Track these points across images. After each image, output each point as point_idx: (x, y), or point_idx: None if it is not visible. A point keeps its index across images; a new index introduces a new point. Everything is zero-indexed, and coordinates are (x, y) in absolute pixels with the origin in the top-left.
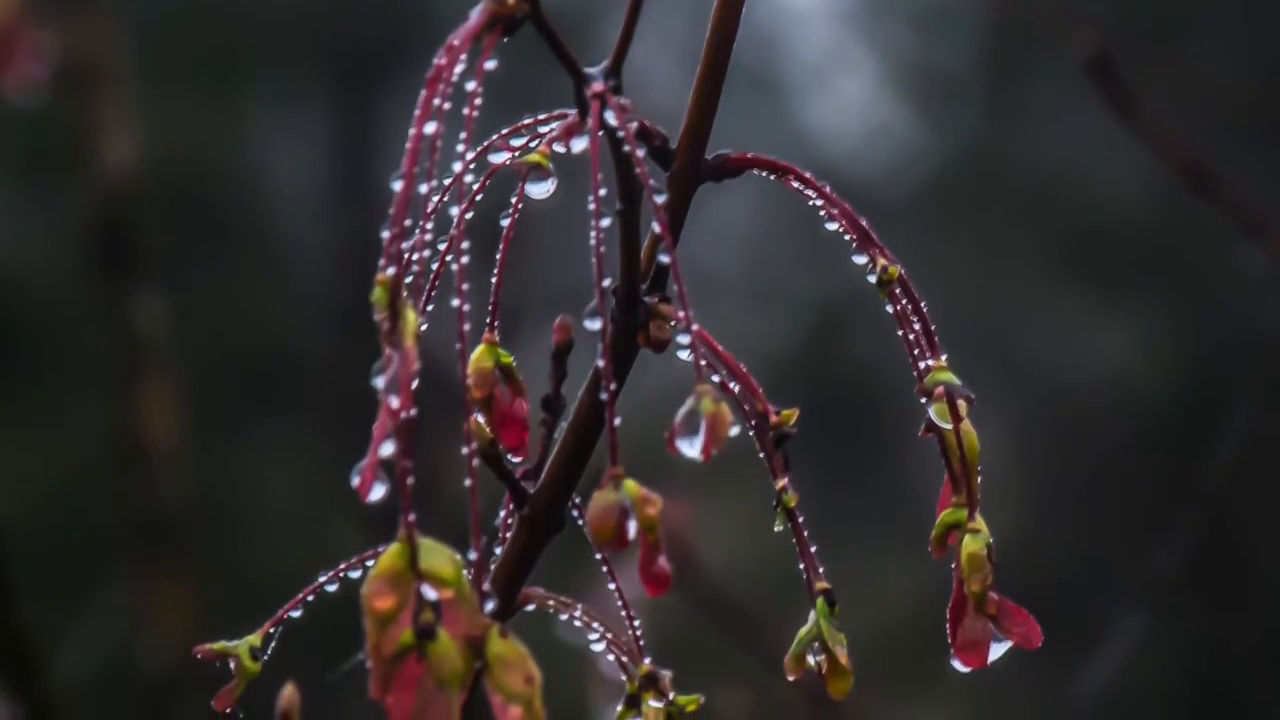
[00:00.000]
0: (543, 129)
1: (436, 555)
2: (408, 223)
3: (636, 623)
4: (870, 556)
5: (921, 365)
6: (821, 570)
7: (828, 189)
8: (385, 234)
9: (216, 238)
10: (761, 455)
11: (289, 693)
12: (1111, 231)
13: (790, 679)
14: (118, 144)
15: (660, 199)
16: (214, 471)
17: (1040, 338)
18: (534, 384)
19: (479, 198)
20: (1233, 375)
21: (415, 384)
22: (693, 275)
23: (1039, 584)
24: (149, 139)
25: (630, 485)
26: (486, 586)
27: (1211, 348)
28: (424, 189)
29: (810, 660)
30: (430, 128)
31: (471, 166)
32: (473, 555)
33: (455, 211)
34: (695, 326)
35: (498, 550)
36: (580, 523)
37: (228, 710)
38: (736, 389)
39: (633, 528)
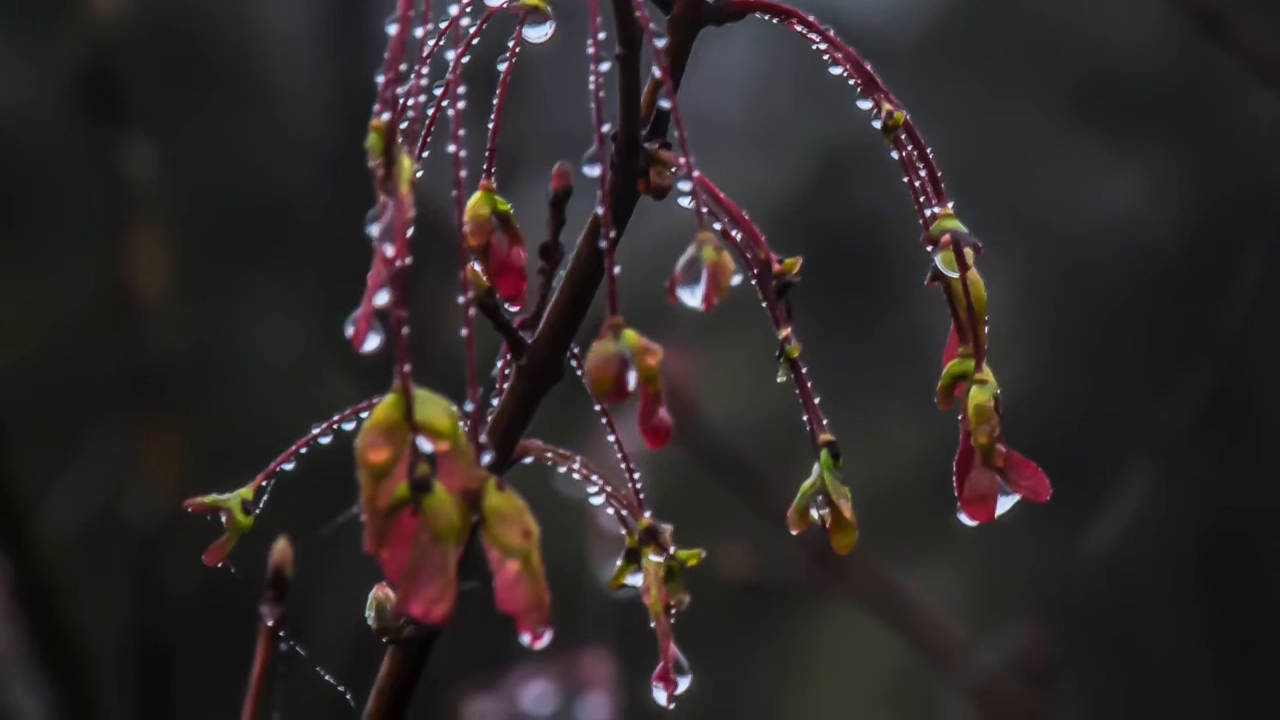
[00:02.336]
0: None
1: (432, 406)
2: (403, 67)
3: (636, 476)
4: (875, 408)
5: (927, 213)
6: (825, 422)
7: (831, 32)
8: (380, 79)
9: (207, 83)
10: (764, 304)
11: (282, 547)
12: (1121, 76)
13: (793, 533)
14: None
15: (660, 43)
16: (205, 322)
17: (1048, 185)
18: (532, 232)
19: (475, 41)
20: (1244, 223)
21: (411, 232)
22: (694, 121)
23: (1047, 436)
24: None
25: (630, 335)
26: (483, 438)
27: (1222, 195)
28: (420, 33)
29: (814, 514)
30: None
31: (468, 9)
32: (469, 407)
33: (451, 56)
34: (696, 173)
35: (495, 402)
36: (579, 373)
37: (219, 565)
38: (738, 237)
39: (633, 378)
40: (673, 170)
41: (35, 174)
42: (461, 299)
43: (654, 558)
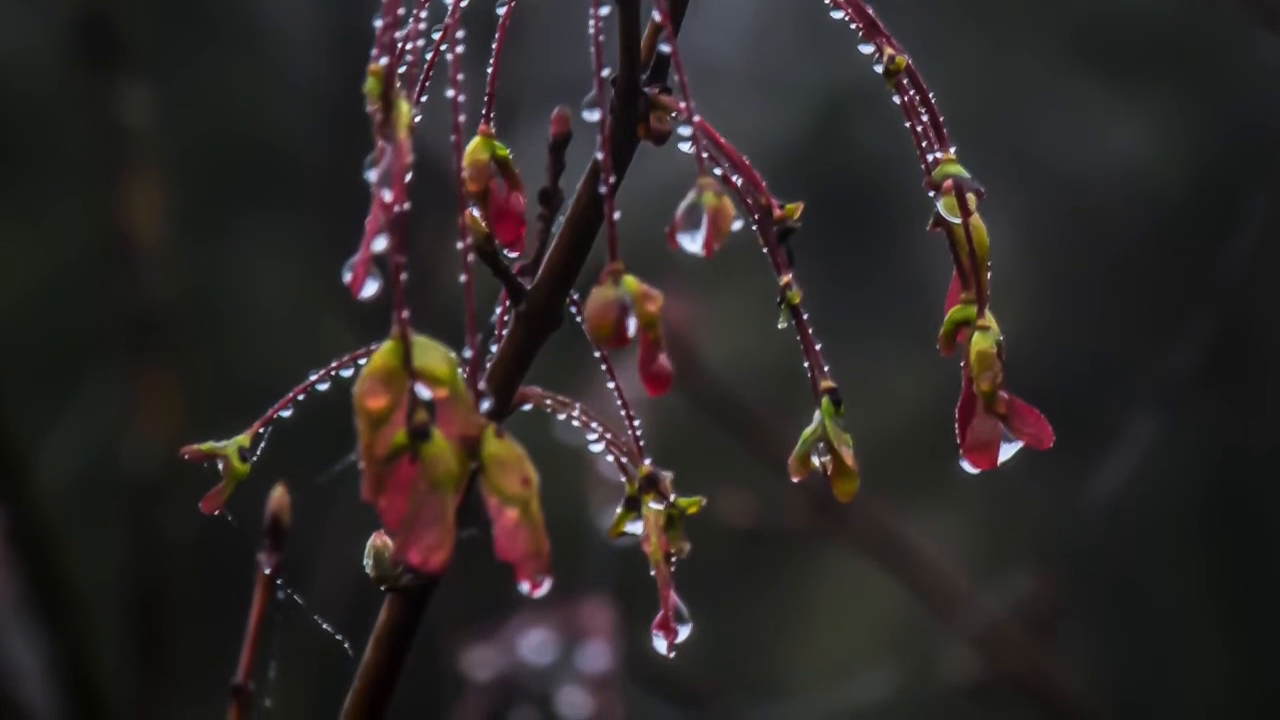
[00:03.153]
0: None
1: (431, 353)
2: (401, 11)
3: (636, 423)
4: (877, 354)
5: (929, 158)
6: (827, 369)
7: None
8: (378, 23)
9: (204, 26)
10: (765, 250)
11: (279, 494)
12: (1126, 20)
13: (794, 480)
14: None
15: None
16: (202, 268)
17: (1052, 130)
18: (531, 177)
19: None
20: (1249, 168)
21: (409, 177)
22: (694, 66)
23: (1050, 382)
24: None
25: (630, 281)
26: (482, 385)
27: (1228, 140)
28: None
29: (815, 461)
30: None
31: None
32: (468, 353)
33: None
34: (697, 118)
35: (494, 348)
36: (578, 319)
37: (216, 513)
38: (739, 182)
39: (632, 325)
40: (673, 115)
41: (32, 119)
42: (460, 245)
43: (654, 505)
